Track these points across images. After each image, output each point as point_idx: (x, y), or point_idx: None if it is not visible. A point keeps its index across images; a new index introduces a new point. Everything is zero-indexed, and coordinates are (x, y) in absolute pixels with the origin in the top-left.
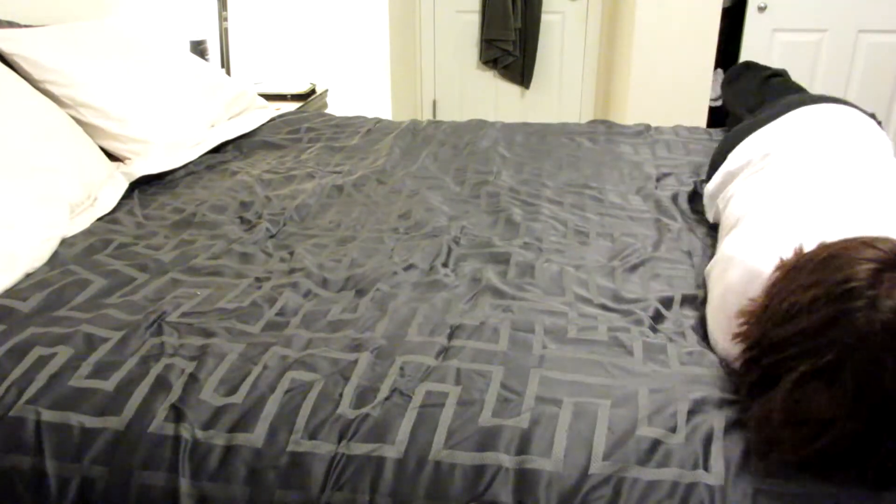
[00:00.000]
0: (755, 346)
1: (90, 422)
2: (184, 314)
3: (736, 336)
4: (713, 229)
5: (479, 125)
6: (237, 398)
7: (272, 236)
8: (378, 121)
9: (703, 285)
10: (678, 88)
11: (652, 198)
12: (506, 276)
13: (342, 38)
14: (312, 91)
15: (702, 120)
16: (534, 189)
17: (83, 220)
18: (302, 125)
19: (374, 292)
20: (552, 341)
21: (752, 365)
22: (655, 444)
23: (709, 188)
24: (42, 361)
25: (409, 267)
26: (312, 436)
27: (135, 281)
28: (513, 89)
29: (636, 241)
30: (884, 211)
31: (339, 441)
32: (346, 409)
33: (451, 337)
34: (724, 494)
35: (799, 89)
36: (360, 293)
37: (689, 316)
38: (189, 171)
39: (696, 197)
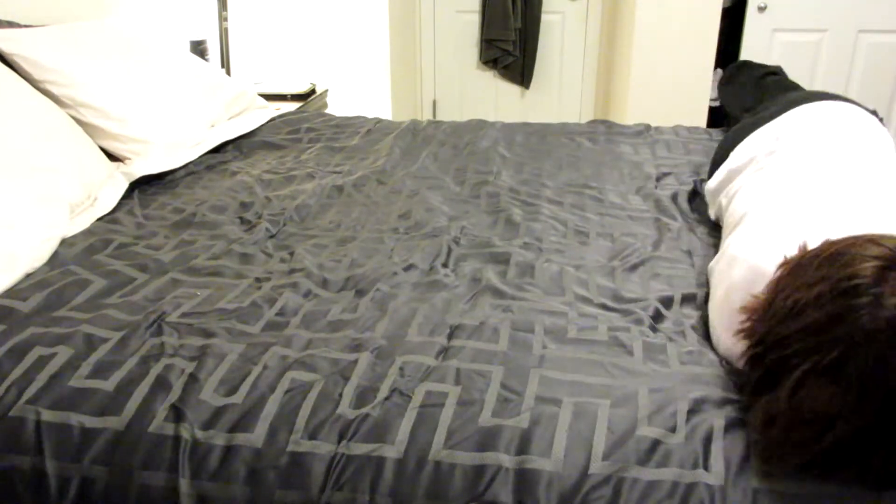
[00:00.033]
0: (759, 343)
1: (90, 422)
2: (184, 314)
3: (739, 332)
4: (713, 229)
5: (479, 125)
6: (237, 398)
7: (272, 236)
8: (378, 121)
9: (704, 284)
10: (678, 88)
11: (652, 197)
12: (506, 276)
13: (342, 38)
14: (312, 91)
15: (702, 120)
16: (534, 189)
17: (83, 220)
18: (302, 125)
19: (374, 292)
20: (552, 341)
21: (757, 362)
22: (655, 443)
23: (710, 185)
24: (42, 361)
25: (409, 267)
26: (312, 436)
27: (135, 281)
28: (513, 89)
29: (636, 240)
30: (888, 209)
31: (339, 441)
32: (345, 409)
33: (450, 337)
34: (724, 494)
35: (796, 87)
36: (360, 293)
37: (690, 315)
38: (189, 172)
39: (695, 196)
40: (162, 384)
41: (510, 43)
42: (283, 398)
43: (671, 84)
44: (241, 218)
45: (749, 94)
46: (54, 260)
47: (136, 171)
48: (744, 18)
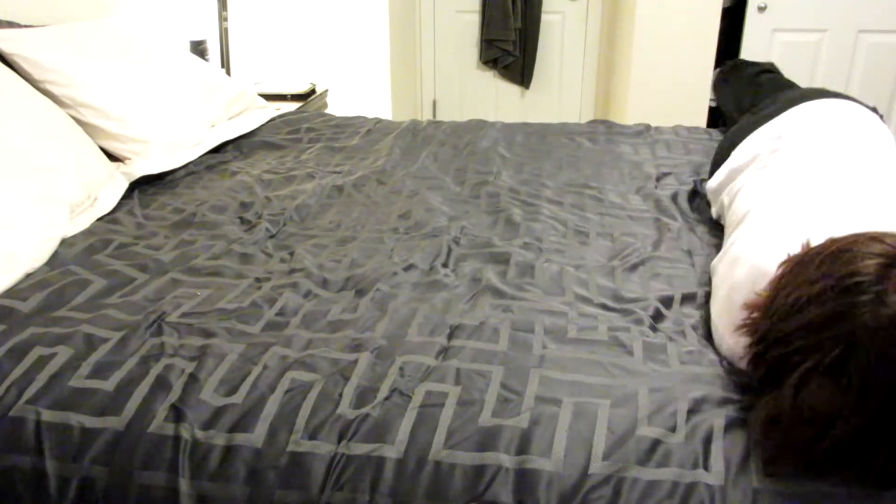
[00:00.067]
0: (761, 341)
1: (90, 422)
2: (184, 314)
3: (740, 328)
4: (713, 228)
5: (479, 125)
6: (237, 398)
7: (272, 236)
8: (378, 121)
9: (705, 283)
10: (678, 88)
11: (652, 197)
12: (506, 276)
13: (342, 38)
14: (312, 91)
15: (702, 120)
16: (534, 189)
17: (83, 220)
18: (302, 125)
19: (374, 292)
20: (552, 341)
21: (759, 360)
22: (655, 443)
23: (711, 184)
24: (42, 361)
25: (409, 267)
26: (312, 436)
27: (135, 281)
28: (513, 89)
29: (636, 240)
30: (891, 207)
31: (339, 441)
32: (345, 409)
33: (450, 337)
34: (724, 494)
35: (791, 85)
36: (360, 293)
37: (690, 315)
38: (189, 172)
39: (695, 196)
40: (162, 384)
41: (510, 43)
42: (283, 398)
43: (671, 84)
44: (241, 218)
45: (744, 92)
46: (54, 260)
47: (136, 171)
48: (744, 18)
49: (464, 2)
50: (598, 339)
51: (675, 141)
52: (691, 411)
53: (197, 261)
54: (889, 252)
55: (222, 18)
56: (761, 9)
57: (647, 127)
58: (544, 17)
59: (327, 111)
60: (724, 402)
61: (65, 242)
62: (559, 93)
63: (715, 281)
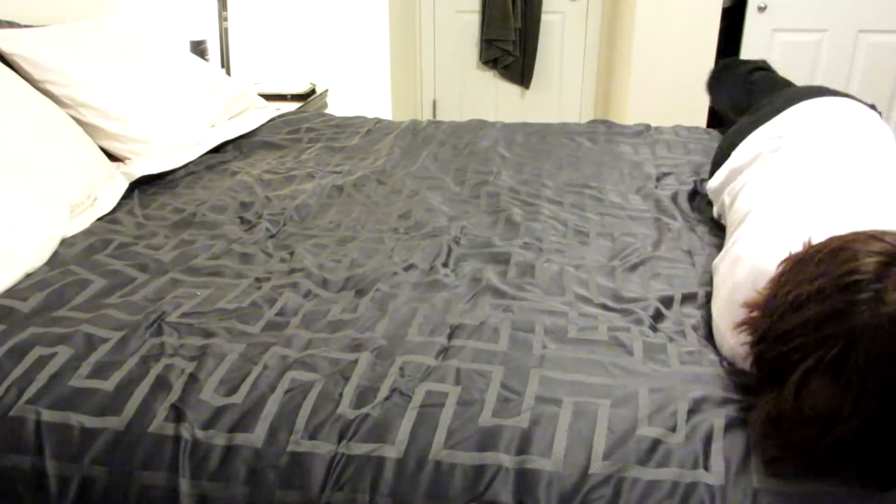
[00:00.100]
0: (761, 340)
1: (90, 422)
2: (184, 314)
3: (740, 325)
4: (714, 228)
5: (479, 125)
6: (237, 398)
7: (272, 236)
8: (378, 121)
9: (705, 283)
10: (678, 88)
11: (652, 197)
12: (506, 276)
13: (342, 38)
14: (312, 91)
15: (702, 120)
16: (534, 189)
17: (83, 220)
18: (302, 125)
19: (374, 292)
20: (552, 341)
21: (760, 359)
22: (655, 443)
23: (712, 184)
24: (42, 361)
25: (409, 267)
26: (312, 436)
27: (135, 281)
28: (513, 89)
29: (636, 240)
30: (892, 206)
31: (339, 441)
32: (346, 408)
33: (451, 337)
34: (724, 494)
35: (786, 82)
36: (360, 293)
37: (690, 315)
38: (189, 171)
39: (696, 196)
40: (162, 384)
41: (510, 43)
42: (283, 398)
43: (671, 84)
44: (241, 218)
45: (738, 91)
46: (54, 260)
47: (136, 171)
48: (744, 18)
49: (464, 2)
50: (599, 339)
51: (675, 141)
52: (691, 411)
53: (197, 261)
54: (889, 250)
55: (222, 18)
56: (761, 9)
57: (647, 127)
58: (544, 17)
59: (327, 111)
60: (724, 402)
61: (65, 242)
62: (559, 93)
63: (716, 280)
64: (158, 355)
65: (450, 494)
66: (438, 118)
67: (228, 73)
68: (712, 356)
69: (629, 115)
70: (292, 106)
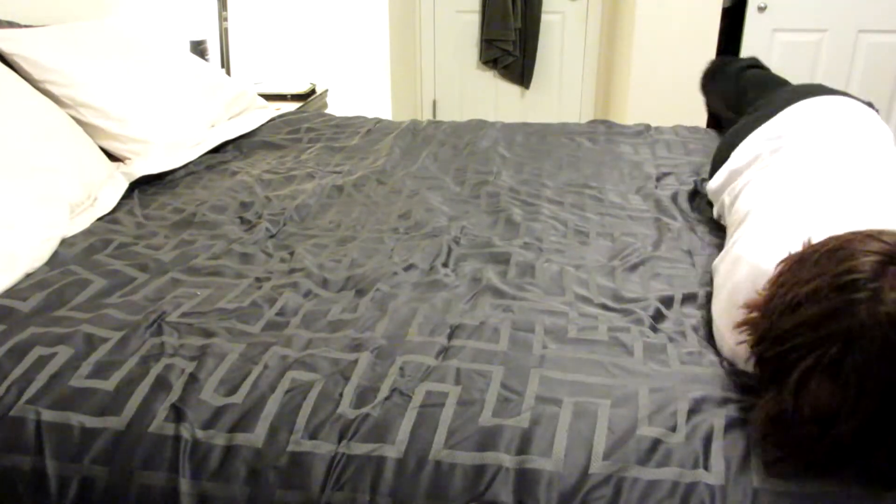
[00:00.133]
0: (761, 340)
1: (90, 422)
2: (184, 314)
3: (740, 326)
4: (714, 228)
5: (479, 125)
6: (237, 398)
7: (272, 236)
8: (378, 121)
9: (705, 283)
10: (678, 88)
11: (652, 197)
12: (506, 276)
13: (342, 38)
14: (312, 91)
15: (702, 120)
16: (534, 189)
17: (83, 220)
18: (302, 125)
19: (374, 292)
20: (552, 341)
21: (761, 359)
22: (655, 443)
23: (712, 185)
24: (42, 361)
25: (409, 267)
26: (313, 435)
27: (135, 281)
28: (513, 89)
29: (636, 240)
30: (892, 205)
31: (340, 441)
32: (346, 408)
33: (451, 337)
34: (724, 494)
35: (778, 79)
36: (360, 293)
37: (690, 315)
38: (189, 171)
39: (696, 196)
40: (162, 384)
41: (510, 43)
42: (283, 398)
43: (671, 84)
44: (241, 218)
45: (731, 90)
46: (54, 260)
47: (136, 171)
48: (744, 18)
49: (464, 2)
50: (599, 339)
51: (675, 141)
52: (691, 411)
53: (197, 261)
54: (886, 249)
55: (222, 18)
56: (761, 9)
57: (647, 127)
58: (544, 17)
59: (327, 111)
60: (724, 402)
61: (65, 242)
62: (559, 93)
63: (717, 281)
64: (158, 355)
65: (450, 494)
66: (438, 118)
67: (228, 73)
68: (712, 356)
69: (629, 115)
70: (292, 106)
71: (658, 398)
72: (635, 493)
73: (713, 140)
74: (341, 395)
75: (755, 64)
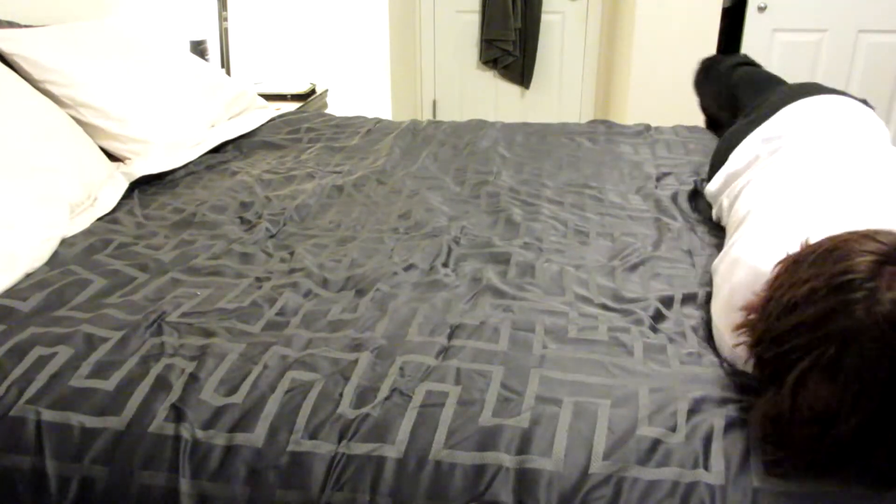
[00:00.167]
0: (759, 342)
1: (90, 422)
2: (184, 314)
3: (739, 328)
4: (714, 228)
5: (479, 125)
6: (237, 398)
7: (272, 236)
8: (378, 121)
9: (705, 283)
10: (678, 88)
11: (652, 197)
12: (506, 275)
13: (342, 38)
14: (312, 91)
15: (702, 120)
16: (534, 189)
17: (83, 220)
18: (302, 125)
19: (374, 292)
20: (552, 341)
21: (760, 361)
22: (655, 443)
23: (710, 188)
24: (42, 361)
25: (410, 267)
26: (313, 435)
27: (135, 281)
28: (513, 89)
29: (636, 240)
30: (890, 206)
31: (340, 441)
32: (346, 408)
33: (451, 337)
34: (724, 494)
35: (770, 76)
36: (360, 293)
37: (690, 316)
38: (189, 171)
39: (696, 196)
40: (162, 384)
41: (510, 43)
42: (283, 398)
43: (671, 84)
44: (241, 218)
45: (722, 89)
46: (54, 260)
47: (136, 171)
48: (744, 18)
49: (464, 2)
50: (599, 339)
51: (675, 141)
52: (691, 411)
53: (197, 260)
54: (881, 249)
55: (222, 18)
56: (761, 9)
57: (647, 127)
58: (544, 17)
59: (327, 111)
60: (724, 401)
61: (65, 242)
62: (559, 93)
63: (716, 282)
64: (158, 355)
65: (450, 494)
66: (438, 118)
67: (228, 73)
68: (712, 357)
69: (629, 115)
70: (292, 106)
71: (658, 398)
72: (635, 493)
73: (713, 140)
74: (341, 395)
75: (745, 61)
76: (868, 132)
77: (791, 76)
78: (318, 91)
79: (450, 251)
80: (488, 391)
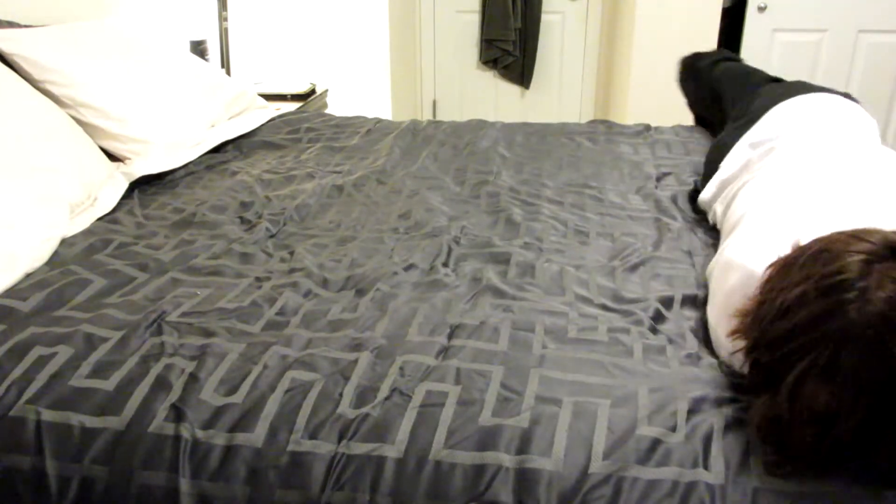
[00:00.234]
0: (754, 347)
1: (90, 422)
2: (184, 314)
3: (734, 333)
4: (714, 229)
5: (479, 125)
6: (237, 398)
7: (272, 236)
8: (378, 121)
9: (705, 284)
10: (678, 88)
11: (652, 197)
12: (506, 275)
13: (342, 38)
14: (312, 91)
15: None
16: (534, 189)
17: (83, 220)
18: (302, 125)
19: (374, 292)
20: (552, 341)
21: (756, 365)
22: (655, 443)
23: (703, 196)
24: (42, 361)
25: (410, 267)
26: (313, 435)
27: (135, 281)
28: (513, 89)
29: (636, 240)
30: (882, 207)
31: (340, 441)
32: (346, 408)
33: (451, 337)
34: (724, 493)
35: (750, 71)
36: (360, 293)
37: (690, 316)
38: (189, 171)
39: (696, 196)
40: (162, 384)
41: (510, 43)
42: (283, 398)
43: (671, 84)
44: (241, 218)
45: (703, 86)
46: (54, 260)
47: (136, 171)
48: (744, 18)
49: (464, 2)
50: (598, 340)
51: (675, 141)
52: (691, 411)
53: (197, 260)
54: (870, 248)
55: (222, 18)
56: (761, 9)
57: (647, 127)
58: (544, 17)
59: (327, 111)
60: (724, 401)
61: (65, 242)
62: (559, 93)
63: (711, 286)
64: (158, 355)
65: (450, 494)
66: (438, 118)
67: (228, 73)
68: (712, 358)
69: (629, 115)
70: (292, 106)
71: (658, 398)
72: (635, 493)
73: (710, 140)
74: (341, 394)
75: (724, 57)
76: (855, 129)
77: (791, 76)
78: (318, 91)
79: (450, 251)
80: (488, 391)
